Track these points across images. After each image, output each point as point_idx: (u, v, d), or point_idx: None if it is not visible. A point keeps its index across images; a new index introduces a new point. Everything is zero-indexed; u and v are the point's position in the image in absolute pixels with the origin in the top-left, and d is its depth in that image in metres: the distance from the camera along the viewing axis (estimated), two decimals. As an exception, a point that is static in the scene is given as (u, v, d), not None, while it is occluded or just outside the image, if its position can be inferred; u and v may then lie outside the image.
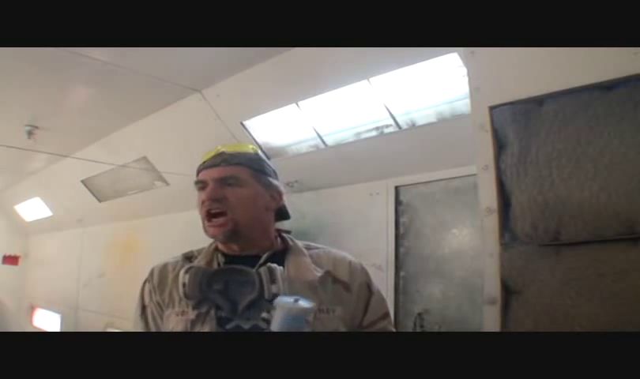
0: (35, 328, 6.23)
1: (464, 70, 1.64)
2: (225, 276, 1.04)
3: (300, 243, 1.16)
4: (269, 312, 0.97)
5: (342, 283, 1.09)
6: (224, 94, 2.89)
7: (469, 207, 2.35)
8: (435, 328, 2.44)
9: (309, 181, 3.15)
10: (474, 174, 1.53)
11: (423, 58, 2.13)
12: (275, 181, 1.14)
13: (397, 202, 2.72)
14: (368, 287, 1.13)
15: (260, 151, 1.17)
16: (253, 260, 1.07)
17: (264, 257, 1.08)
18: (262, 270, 1.01)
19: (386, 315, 1.14)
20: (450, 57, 2.07)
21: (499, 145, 1.41)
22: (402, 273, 2.63)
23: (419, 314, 2.50)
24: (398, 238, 2.67)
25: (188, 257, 1.14)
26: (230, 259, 1.10)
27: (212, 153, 1.10)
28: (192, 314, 1.02)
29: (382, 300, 1.15)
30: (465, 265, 2.41)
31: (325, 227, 3.06)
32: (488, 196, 1.41)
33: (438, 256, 2.52)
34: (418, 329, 2.48)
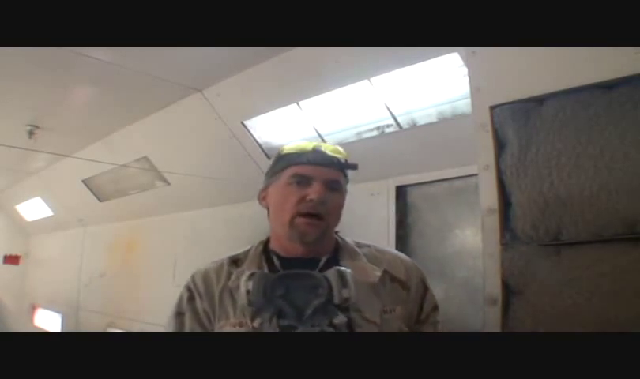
0: (36, 327, 6.24)
1: (465, 70, 1.64)
2: (289, 281, 0.97)
3: (349, 241, 1.12)
4: (337, 317, 0.93)
5: (400, 282, 1.07)
6: (225, 94, 2.89)
7: (471, 207, 2.35)
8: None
9: (310, 181, 3.15)
10: (475, 175, 1.54)
11: (424, 58, 2.13)
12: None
13: (401, 202, 2.72)
14: (424, 283, 1.12)
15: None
16: (312, 263, 1.02)
17: (324, 259, 1.03)
18: (331, 273, 0.96)
19: (436, 307, 1.13)
20: (451, 57, 2.07)
21: (500, 145, 1.40)
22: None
23: None
24: (399, 237, 2.67)
25: (234, 261, 1.08)
26: (287, 262, 1.04)
27: (311, 147, 1.05)
28: (255, 322, 0.95)
29: (432, 293, 1.14)
30: (467, 265, 2.41)
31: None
32: (489, 196, 1.40)
33: (441, 256, 2.52)
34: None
